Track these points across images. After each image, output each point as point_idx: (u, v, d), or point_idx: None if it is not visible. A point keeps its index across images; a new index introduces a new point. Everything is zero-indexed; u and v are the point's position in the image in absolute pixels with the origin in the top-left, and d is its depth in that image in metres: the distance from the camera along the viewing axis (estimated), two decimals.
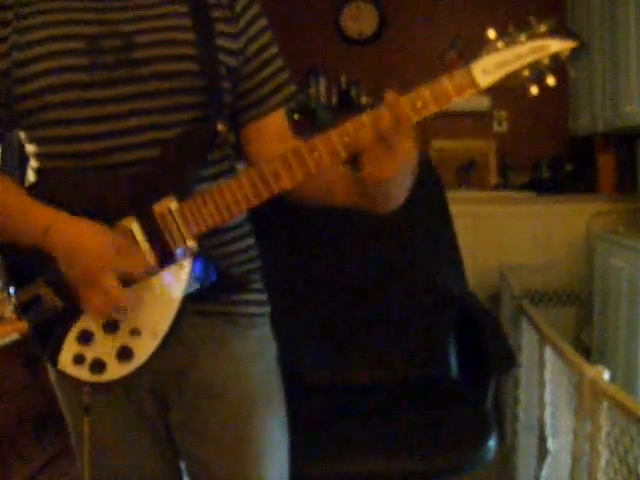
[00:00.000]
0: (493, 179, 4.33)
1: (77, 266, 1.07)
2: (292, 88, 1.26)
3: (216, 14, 1.18)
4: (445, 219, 2.28)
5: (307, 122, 4.35)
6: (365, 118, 1.03)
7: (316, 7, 4.41)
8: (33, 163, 1.18)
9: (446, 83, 1.02)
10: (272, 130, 1.24)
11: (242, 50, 1.20)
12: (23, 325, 1.72)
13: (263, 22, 1.23)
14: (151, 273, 1.11)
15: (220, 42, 1.17)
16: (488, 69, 1.02)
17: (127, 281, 1.08)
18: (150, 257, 1.10)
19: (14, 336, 1.76)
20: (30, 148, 1.18)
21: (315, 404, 1.96)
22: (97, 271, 1.06)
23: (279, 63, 1.24)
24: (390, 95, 1.02)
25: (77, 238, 1.07)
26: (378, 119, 1.02)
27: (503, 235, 3.71)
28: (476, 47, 1.04)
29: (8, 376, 1.79)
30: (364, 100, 4.40)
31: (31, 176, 1.19)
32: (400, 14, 4.42)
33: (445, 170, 3.92)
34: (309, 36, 4.39)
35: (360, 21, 4.45)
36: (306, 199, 1.19)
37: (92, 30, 1.12)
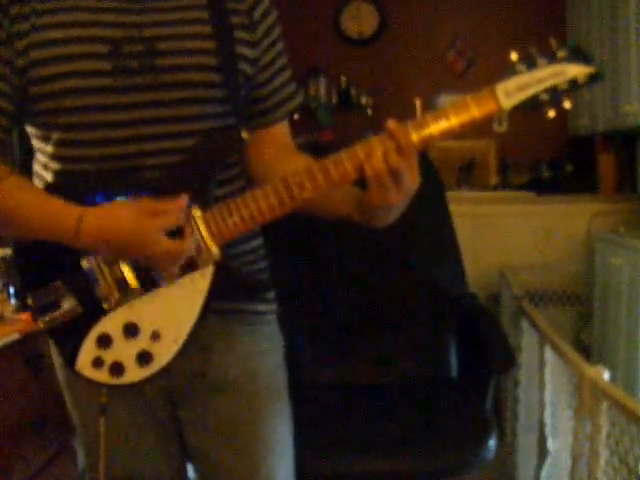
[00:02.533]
0: (493, 179, 4.33)
1: (124, 250, 1.06)
2: (299, 99, 1.28)
3: (235, 21, 1.18)
4: (445, 219, 2.28)
5: (307, 122, 4.35)
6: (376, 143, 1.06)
7: (316, 7, 4.42)
8: (47, 162, 1.17)
9: (471, 104, 1.07)
10: (276, 140, 1.26)
11: (258, 58, 1.20)
12: (23, 325, 1.72)
13: (278, 31, 1.24)
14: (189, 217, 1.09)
15: (239, 50, 1.17)
16: (511, 91, 1.07)
17: (177, 232, 1.07)
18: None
19: (14, 336, 1.76)
20: (43, 146, 1.17)
21: (315, 404, 1.96)
22: (146, 245, 1.04)
23: (289, 73, 1.25)
24: (392, 124, 1.05)
25: (110, 223, 1.05)
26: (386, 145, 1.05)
27: (503, 235, 3.71)
28: (500, 69, 1.07)
29: (8, 376, 1.79)
30: (364, 100, 4.40)
31: (45, 174, 1.18)
32: (400, 14, 4.42)
33: (445, 170, 3.91)
34: (309, 36, 4.39)
35: (360, 21, 4.46)
36: (308, 209, 1.19)
37: (114, 33, 1.11)
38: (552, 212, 3.75)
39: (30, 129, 1.19)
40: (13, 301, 1.87)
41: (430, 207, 2.28)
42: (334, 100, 4.44)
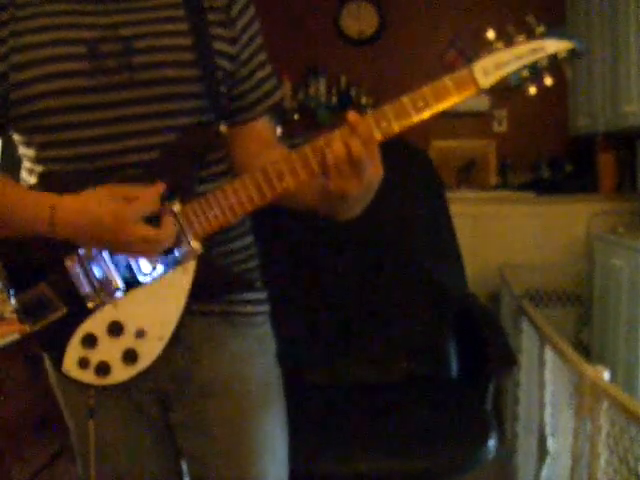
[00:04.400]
0: (493, 179, 4.33)
1: (100, 236, 1.06)
2: (277, 97, 1.27)
3: (212, 18, 1.18)
4: (445, 219, 2.28)
5: (307, 122, 4.35)
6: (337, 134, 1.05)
7: (316, 7, 4.41)
8: (32, 166, 1.18)
9: (448, 83, 1.04)
10: (259, 136, 1.25)
11: (238, 54, 1.20)
12: (23, 326, 1.72)
13: (257, 26, 1.23)
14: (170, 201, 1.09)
15: (217, 46, 1.17)
16: (488, 70, 1.04)
17: (153, 219, 1.07)
18: (154, 261, 1.11)
19: (14, 336, 1.76)
20: (27, 152, 1.18)
21: (315, 404, 1.96)
22: (122, 230, 1.04)
23: (269, 69, 1.25)
24: (352, 116, 1.04)
25: (84, 209, 1.05)
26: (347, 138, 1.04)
27: (503, 235, 3.71)
28: (475, 47, 1.05)
29: (8, 376, 1.79)
30: (364, 100, 4.40)
31: (30, 179, 1.18)
32: (400, 14, 4.41)
33: (445, 170, 3.92)
34: (309, 36, 4.39)
35: (360, 21, 4.45)
36: (278, 201, 1.18)
37: (92, 34, 1.12)
38: (552, 212, 3.75)
39: (15, 136, 1.19)
40: (13, 301, 1.87)
41: (430, 207, 2.28)
42: (334, 100, 4.43)
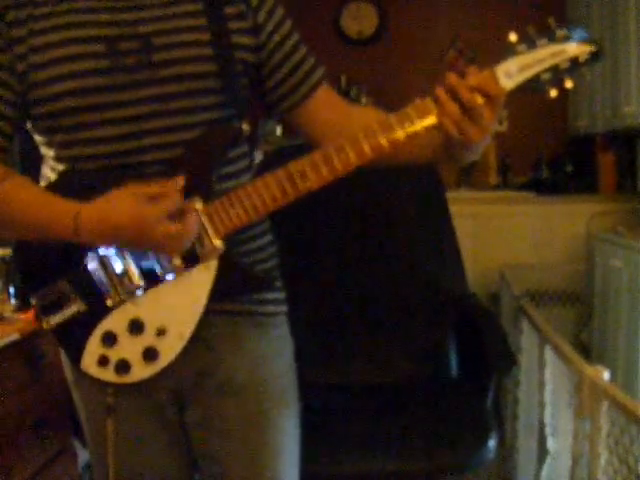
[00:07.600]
0: (493, 179, 4.33)
1: (126, 239, 1.05)
2: (321, 71, 1.26)
3: (230, 10, 1.17)
4: (445, 219, 2.28)
5: None
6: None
7: (316, 7, 4.41)
8: (53, 164, 1.17)
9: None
10: (321, 107, 1.23)
11: (263, 44, 1.19)
12: (23, 325, 1.72)
13: (281, 11, 1.22)
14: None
15: (235, 39, 1.16)
16: (511, 72, 1.05)
17: (178, 215, 1.06)
18: (177, 259, 1.10)
19: (14, 336, 1.76)
20: (48, 152, 1.17)
21: (315, 404, 1.96)
22: (147, 231, 1.03)
23: (304, 50, 1.25)
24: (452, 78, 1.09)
25: (109, 215, 1.04)
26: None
27: (503, 235, 3.71)
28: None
29: (8, 376, 1.79)
30: (364, 100, 4.40)
31: (52, 177, 1.17)
32: (400, 14, 4.42)
33: (445, 170, 3.92)
34: (309, 36, 4.37)
35: (360, 21, 4.45)
36: (388, 160, 1.19)
37: (110, 32, 1.11)
38: (552, 212, 3.75)
39: (36, 136, 1.19)
40: (13, 301, 1.87)
41: (430, 207, 2.28)
42: None
